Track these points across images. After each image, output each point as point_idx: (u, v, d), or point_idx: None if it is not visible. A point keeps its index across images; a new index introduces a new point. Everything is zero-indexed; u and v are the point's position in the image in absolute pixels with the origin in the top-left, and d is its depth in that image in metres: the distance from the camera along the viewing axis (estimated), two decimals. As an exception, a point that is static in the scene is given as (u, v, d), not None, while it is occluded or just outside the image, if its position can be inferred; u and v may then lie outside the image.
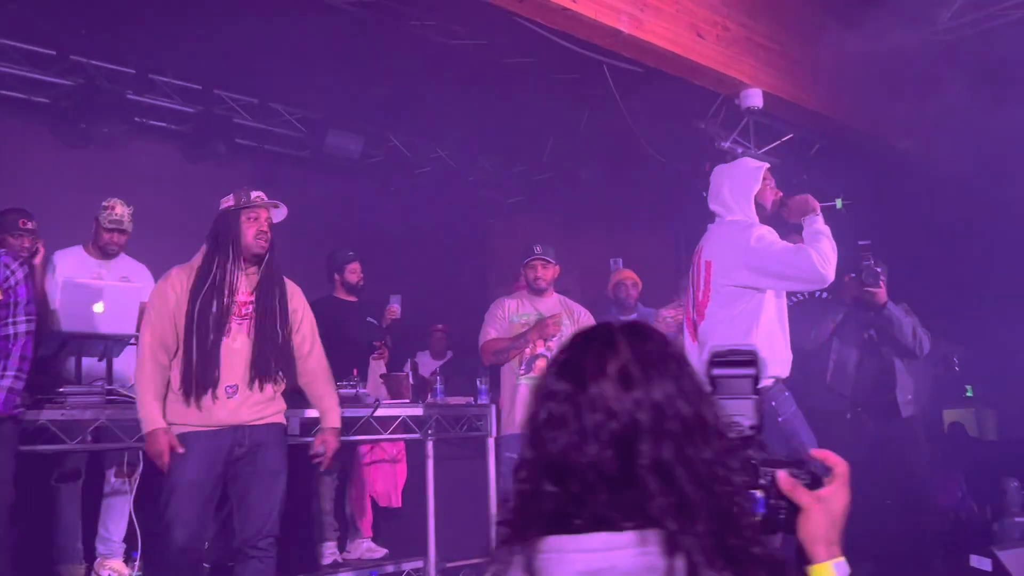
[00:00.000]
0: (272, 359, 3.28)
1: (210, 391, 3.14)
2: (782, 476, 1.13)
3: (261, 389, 3.26)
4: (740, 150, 5.29)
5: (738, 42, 4.81)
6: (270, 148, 6.93)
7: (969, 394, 6.84)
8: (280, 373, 3.34)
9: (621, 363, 1.03)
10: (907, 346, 4.51)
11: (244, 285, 3.28)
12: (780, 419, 3.24)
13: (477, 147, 7.93)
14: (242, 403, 3.22)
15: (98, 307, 3.75)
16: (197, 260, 3.31)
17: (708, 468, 0.99)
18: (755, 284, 3.23)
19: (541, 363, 4.27)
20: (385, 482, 5.15)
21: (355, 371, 4.64)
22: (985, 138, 6.05)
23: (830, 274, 3.12)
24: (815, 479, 1.15)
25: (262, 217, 3.29)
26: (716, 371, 1.20)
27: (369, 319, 5.14)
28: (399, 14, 5.56)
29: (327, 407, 3.63)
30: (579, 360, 1.07)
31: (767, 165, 3.47)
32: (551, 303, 4.54)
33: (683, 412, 1.00)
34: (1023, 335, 6.28)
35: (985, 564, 3.54)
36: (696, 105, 5.37)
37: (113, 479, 4.21)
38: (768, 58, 4.99)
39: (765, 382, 3.28)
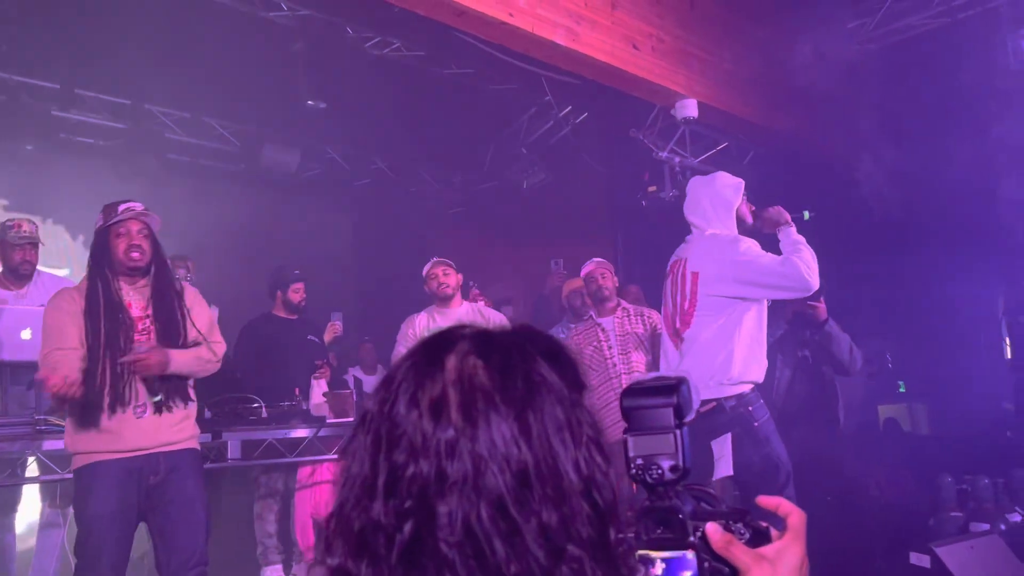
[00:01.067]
0: (180, 375, 3.11)
1: (119, 411, 2.96)
2: (712, 530, 0.91)
3: (174, 408, 3.10)
4: (677, 159, 5.38)
5: (673, 54, 4.89)
6: (204, 163, 6.79)
7: (902, 390, 7.06)
8: (188, 388, 3.18)
9: (439, 389, 0.77)
10: (843, 362, 4.62)
11: (136, 300, 3.10)
12: (756, 423, 3.31)
13: (417, 157, 7.90)
14: (153, 424, 3.04)
15: (26, 333, 3.61)
16: (83, 283, 3.12)
17: (550, 541, 0.72)
18: (743, 295, 3.33)
19: None
20: (330, 502, 5.07)
21: (297, 390, 4.57)
22: (911, 142, 6.28)
23: (815, 282, 3.22)
24: (757, 533, 0.94)
25: (133, 230, 3.08)
26: (627, 402, 0.99)
27: (310, 337, 5.06)
28: (335, 27, 5.50)
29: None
30: (392, 379, 0.81)
31: (743, 182, 3.57)
32: (461, 312, 4.51)
33: (520, 461, 0.74)
34: (951, 330, 6.53)
35: (924, 561, 3.63)
36: (634, 115, 5.43)
37: (47, 511, 4.06)
38: (702, 69, 5.07)
39: (743, 388, 3.35)
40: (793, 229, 3.43)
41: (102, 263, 3.08)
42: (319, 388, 5.06)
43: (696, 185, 3.63)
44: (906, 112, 6.20)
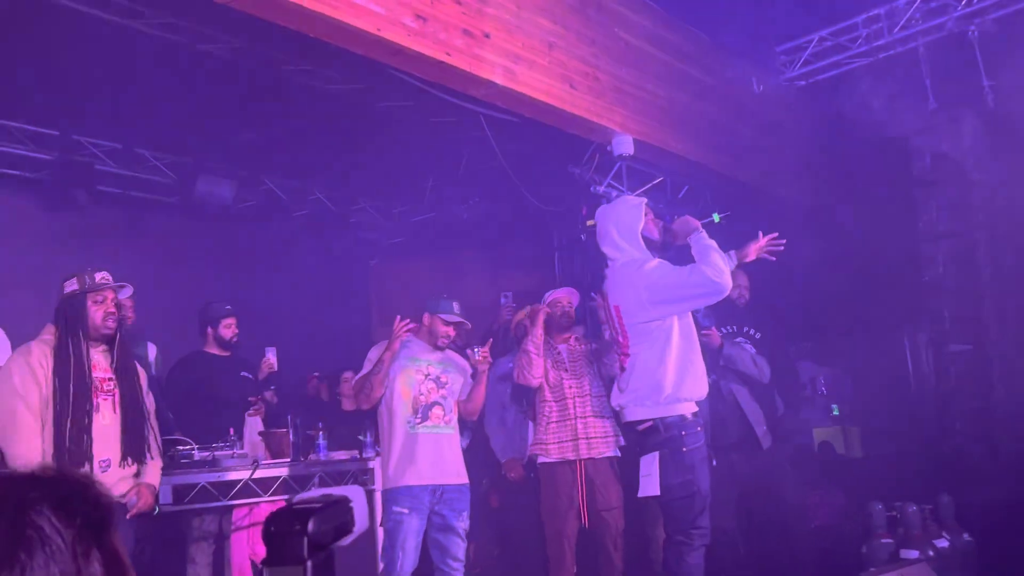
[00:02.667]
0: (142, 434, 3.36)
1: (87, 467, 3.17)
2: None
3: (129, 464, 3.33)
4: (615, 194, 5.45)
5: (609, 92, 4.97)
6: (136, 195, 6.62)
7: (836, 413, 7.25)
8: (148, 448, 3.41)
9: None
10: (751, 376, 4.74)
11: (102, 362, 3.36)
12: (685, 449, 3.35)
13: (356, 188, 7.85)
14: (115, 479, 3.27)
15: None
16: (51, 340, 3.31)
17: None
18: (663, 315, 3.38)
19: (437, 411, 4.15)
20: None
21: (231, 430, 4.47)
22: (841, 174, 6.50)
23: (727, 282, 3.28)
24: None
25: (108, 299, 3.35)
26: (264, 528, 0.95)
27: (244, 374, 4.95)
28: (270, 60, 5.45)
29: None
30: None
31: (645, 200, 3.62)
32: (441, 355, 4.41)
33: None
34: (882, 355, 6.74)
35: (855, 590, 3.72)
36: (571, 151, 5.51)
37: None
38: (637, 106, 5.17)
39: (682, 409, 3.39)
40: (704, 235, 3.46)
41: (76, 326, 3.28)
42: (254, 426, 4.96)
43: (602, 215, 3.69)
44: (831, 147, 6.43)
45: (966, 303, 6.18)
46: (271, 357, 5.08)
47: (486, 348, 4.18)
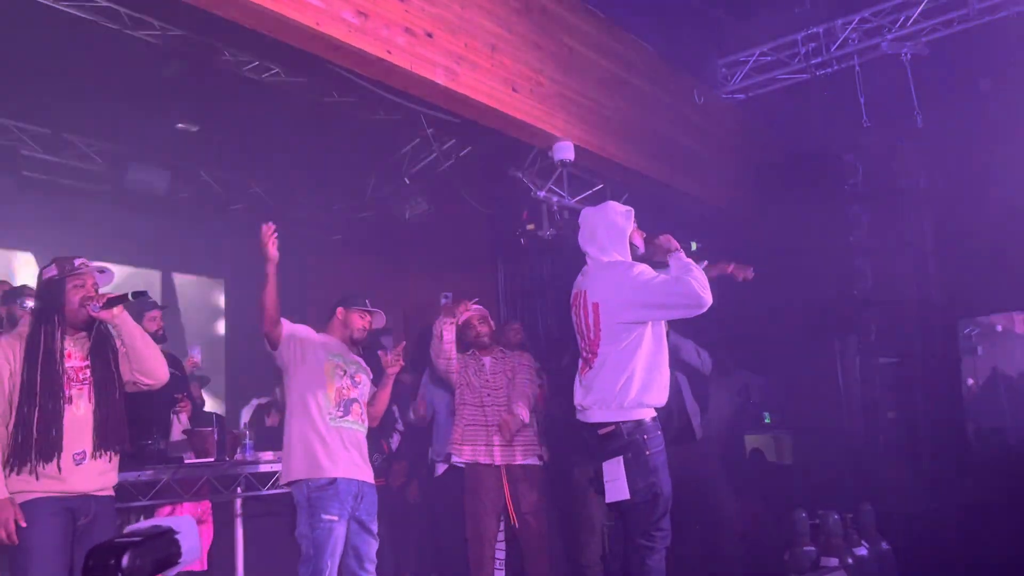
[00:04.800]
0: (116, 425, 3.25)
1: (56, 459, 3.08)
2: None
3: (105, 456, 3.22)
4: (555, 199, 5.47)
5: (551, 97, 4.98)
6: (64, 182, 6.39)
7: (767, 421, 7.37)
8: (123, 439, 3.30)
9: None
10: (694, 365, 4.81)
11: (76, 351, 3.25)
12: (648, 452, 3.38)
13: (295, 184, 7.72)
14: (89, 471, 3.18)
15: None
16: (24, 329, 3.24)
17: None
18: (643, 318, 3.43)
19: (356, 408, 4.06)
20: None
21: (153, 428, 4.33)
22: (777, 186, 6.62)
23: (708, 298, 3.34)
24: None
25: (88, 284, 3.27)
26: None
27: (171, 370, 4.81)
28: (209, 48, 5.33)
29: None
30: None
31: (632, 210, 3.66)
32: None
33: None
34: (814, 364, 6.88)
35: (775, 597, 3.79)
36: (513, 154, 5.50)
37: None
38: (580, 113, 5.19)
39: (642, 413, 3.41)
40: (682, 254, 3.56)
41: (51, 312, 3.21)
42: (179, 425, 4.83)
43: (589, 215, 3.72)
44: (765, 162, 6.57)
45: (892, 317, 6.36)
46: (195, 355, 4.96)
47: (399, 349, 4.14)
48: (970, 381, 6.67)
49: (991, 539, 4.84)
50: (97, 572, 0.95)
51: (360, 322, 4.17)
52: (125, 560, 0.93)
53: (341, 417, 3.94)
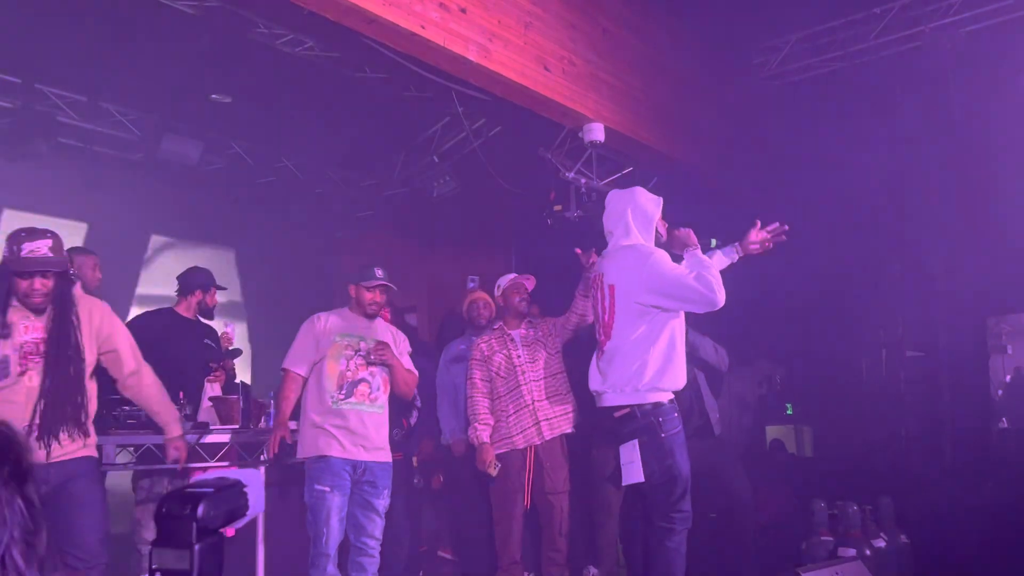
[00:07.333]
0: (65, 396, 3.24)
1: None
2: None
3: (59, 431, 3.21)
4: (583, 180, 5.45)
5: (583, 78, 4.95)
6: (99, 150, 6.48)
7: (789, 412, 7.33)
8: (78, 410, 3.28)
9: None
10: (712, 363, 4.80)
11: (34, 324, 3.24)
12: (663, 435, 3.40)
13: (325, 158, 7.76)
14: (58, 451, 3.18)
15: None
16: None
17: None
18: (657, 304, 3.42)
19: (363, 388, 4.11)
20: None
21: (181, 394, 4.40)
22: (807, 178, 6.54)
23: (721, 298, 3.33)
24: None
25: (36, 281, 3.21)
26: (157, 510, 1.01)
27: (207, 341, 4.87)
28: (243, 20, 5.36)
29: (165, 421, 3.71)
30: None
31: (662, 199, 3.66)
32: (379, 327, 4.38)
33: None
34: (838, 356, 6.82)
35: (791, 585, 3.78)
36: (543, 134, 5.48)
37: None
38: (611, 94, 5.16)
39: (659, 396, 3.42)
40: (699, 250, 3.56)
41: (5, 295, 3.20)
42: (211, 392, 4.89)
43: (617, 197, 3.72)
44: (803, 149, 6.47)
45: (920, 309, 6.28)
46: (230, 332, 5.01)
47: (377, 346, 4.14)
48: (1007, 378, 6.57)
49: (1011, 538, 4.79)
50: (172, 520, 0.97)
51: (369, 296, 4.19)
52: (200, 509, 0.97)
53: (343, 399, 4.02)
